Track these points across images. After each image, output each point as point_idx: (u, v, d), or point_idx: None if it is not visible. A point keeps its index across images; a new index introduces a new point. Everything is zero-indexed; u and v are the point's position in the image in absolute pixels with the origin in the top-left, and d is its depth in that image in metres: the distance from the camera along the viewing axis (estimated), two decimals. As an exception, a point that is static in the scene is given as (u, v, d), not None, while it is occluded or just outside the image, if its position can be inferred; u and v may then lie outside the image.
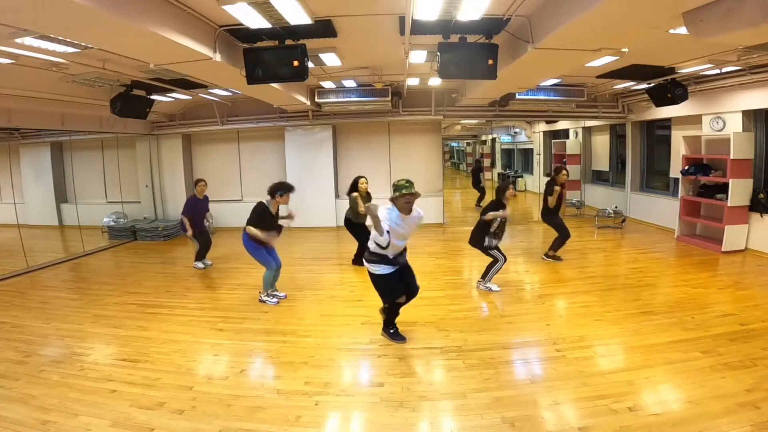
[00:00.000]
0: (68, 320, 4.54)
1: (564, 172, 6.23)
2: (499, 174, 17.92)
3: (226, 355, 3.72)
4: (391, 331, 3.90)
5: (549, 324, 4.15)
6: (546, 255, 6.40)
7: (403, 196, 3.38)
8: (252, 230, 4.60)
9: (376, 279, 3.65)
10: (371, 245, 3.57)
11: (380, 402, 2.94)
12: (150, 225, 8.96)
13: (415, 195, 3.41)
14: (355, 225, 6.07)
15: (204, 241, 6.53)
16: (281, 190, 4.65)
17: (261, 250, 4.80)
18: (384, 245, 3.44)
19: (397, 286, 3.66)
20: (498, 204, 4.94)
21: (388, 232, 3.36)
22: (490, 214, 4.87)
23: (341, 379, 3.28)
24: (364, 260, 3.71)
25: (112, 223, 9.28)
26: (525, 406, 2.83)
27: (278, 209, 4.79)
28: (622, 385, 3.00)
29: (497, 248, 5.07)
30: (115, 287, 5.69)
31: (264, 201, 4.71)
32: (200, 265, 6.55)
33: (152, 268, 6.79)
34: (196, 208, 6.32)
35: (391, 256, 3.55)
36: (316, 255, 6.65)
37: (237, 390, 3.13)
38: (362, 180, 6.01)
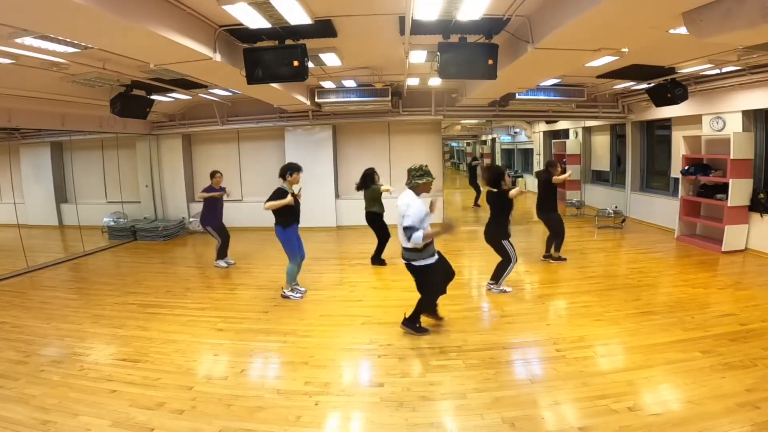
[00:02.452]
0: (68, 320, 4.54)
1: (559, 168, 6.17)
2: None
3: (226, 355, 3.72)
4: (417, 325, 3.97)
5: (549, 324, 4.15)
6: (545, 256, 6.34)
7: (427, 183, 3.74)
8: (273, 203, 4.75)
9: (428, 271, 3.75)
10: (416, 239, 3.52)
11: (380, 402, 2.94)
12: (150, 225, 8.96)
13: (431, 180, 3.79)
14: (381, 220, 6.23)
15: (225, 237, 6.57)
16: (291, 169, 4.95)
17: (292, 241, 4.95)
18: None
19: (440, 278, 3.89)
20: (502, 193, 4.83)
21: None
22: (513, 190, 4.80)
23: (341, 379, 3.28)
24: (408, 255, 3.69)
25: (112, 223, 9.28)
26: (525, 406, 2.83)
27: (296, 192, 5.01)
28: (622, 385, 3.00)
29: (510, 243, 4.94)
30: (115, 287, 5.69)
31: (280, 187, 4.92)
32: (222, 264, 6.53)
33: (152, 268, 6.79)
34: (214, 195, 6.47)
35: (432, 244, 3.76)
36: (316, 255, 6.64)
37: (237, 390, 3.13)
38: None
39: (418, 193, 3.72)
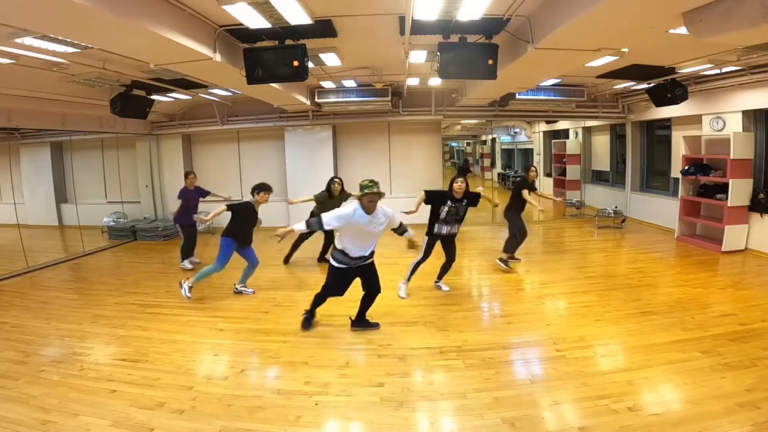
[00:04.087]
0: (68, 320, 4.53)
1: (533, 169, 5.99)
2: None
3: (226, 355, 3.72)
4: (307, 315, 4.14)
5: (549, 324, 4.15)
6: (500, 259, 5.96)
7: (365, 195, 3.54)
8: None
9: (331, 270, 3.87)
10: (339, 244, 3.77)
11: (380, 402, 2.94)
12: (150, 225, 8.95)
13: (378, 194, 3.56)
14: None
15: (192, 238, 6.57)
16: (257, 189, 4.89)
17: (231, 250, 4.94)
18: (348, 251, 3.72)
19: (341, 285, 3.88)
20: (447, 196, 4.72)
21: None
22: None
23: (341, 379, 3.28)
24: (330, 254, 3.86)
25: (112, 223, 9.27)
26: (525, 406, 2.83)
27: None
28: (622, 385, 3.00)
29: (435, 238, 4.89)
30: (115, 287, 5.69)
31: (250, 201, 4.94)
32: (188, 265, 6.52)
33: (152, 268, 6.79)
34: (186, 195, 6.42)
35: (353, 255, 3.73)
36: (316, 255, 6.64)
37: (237, 390, 3.13)
38: (336, 181, 6.12)
39: (363, 207, 3.56)
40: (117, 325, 4.35)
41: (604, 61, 5.35)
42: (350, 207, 3.63)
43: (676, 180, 7.83)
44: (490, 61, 4.20)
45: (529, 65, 4.73)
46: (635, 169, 9.42)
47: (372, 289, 3.95)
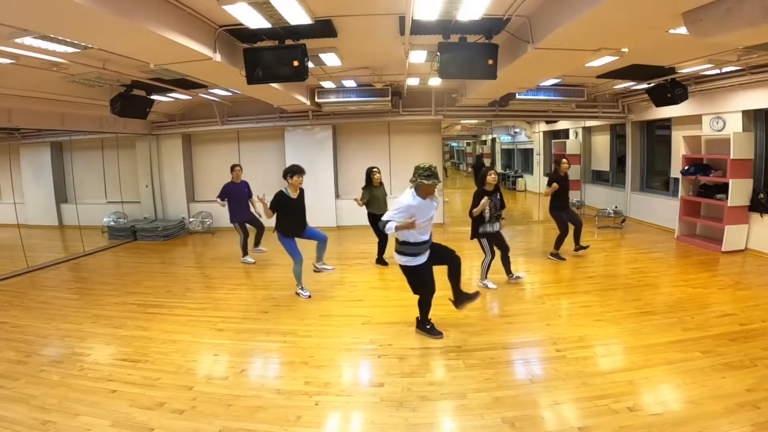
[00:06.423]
0: (68, 320, 4.54)
1: (564, 161, 6.28)
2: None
3: (226, 355, 3.72)
4: (428, 327, 3.95)
5: (549, 324, 4.15)
6: (551, 254, 6.45)
7: (426, 185, 3.50)
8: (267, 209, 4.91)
9: (412, 272, 3.73)
10: (401, 237, 3.60)
11: (380, 402, 2.94)
12: (150, 225, 8.96)
13: (437, 182, 3.55)
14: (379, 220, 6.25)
15: (258, 227, 6.71)
16: (291, 172, 4.96)
17: (292, 242, 5.02)
18: (411, 239, 3.58)
19: (431, 278, 3.78)
20: (482, 193, 4.96)
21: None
22: (476, 210, 4.90)
23: (341, 379, 3.28)
24: (396, 254, 3.71)
25: (112, 223, 9.28)
26: (525, 406, 2.83)
27: (300, 193, 5.10)
28: (622, 385, 3.00)
29: (490, 237, 5.06)
30: (115, 287, 5.69)
31: (282, 189, 4.98)
32: (249, 259, 6.64)
33: (152, 268, 6.79)
34: (231, 192, 6.55)
35: (421, 240, 3.63)
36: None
37: (237, 390, 3.13)
38: (375, 170, 6.14)
39: (420, 195, 3.54)
40: (117, 325, 4.35)
41: (604, 61, 5.35)
42: (408, 196, 3.55)
43: (676, 180, 7.83)
44: (490, 61, 4.21)
45: (529, 65, 4.72)
46: (635, 169, 9.42)
47: (451, 260, 3.89)
